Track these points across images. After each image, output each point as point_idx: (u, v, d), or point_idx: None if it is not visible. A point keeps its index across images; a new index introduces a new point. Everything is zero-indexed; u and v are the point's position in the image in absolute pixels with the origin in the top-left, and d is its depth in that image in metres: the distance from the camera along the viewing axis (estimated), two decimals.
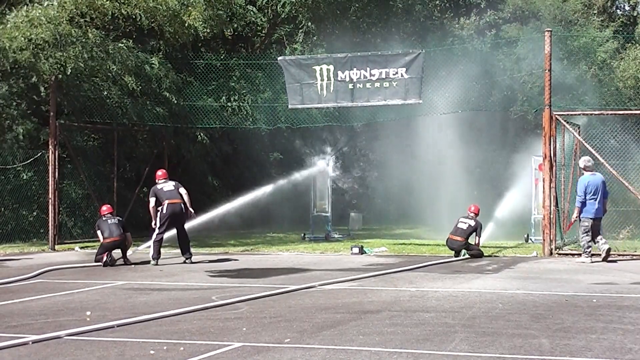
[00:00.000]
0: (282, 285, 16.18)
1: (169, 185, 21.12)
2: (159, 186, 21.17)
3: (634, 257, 21.27)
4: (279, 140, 35.70)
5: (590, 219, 20.30)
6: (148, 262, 20.65)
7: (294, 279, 17.56)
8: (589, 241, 20.38)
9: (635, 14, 45.83)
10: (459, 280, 17.07)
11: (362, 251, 23.10)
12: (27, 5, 23.86)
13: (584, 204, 20.37)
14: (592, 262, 20.13)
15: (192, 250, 21.36)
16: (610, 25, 39.51)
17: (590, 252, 20.35)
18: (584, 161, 20.95)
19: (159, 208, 20.89)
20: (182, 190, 21.05)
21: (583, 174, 20.84)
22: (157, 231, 20.86)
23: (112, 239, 20.81)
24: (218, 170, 35.21)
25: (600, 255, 20.35)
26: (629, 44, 38.48)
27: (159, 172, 21.75)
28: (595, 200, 20.34)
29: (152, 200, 21.19)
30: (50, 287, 16.62)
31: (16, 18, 23.25)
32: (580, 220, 20.54)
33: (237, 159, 36.16)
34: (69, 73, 24.82)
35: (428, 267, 19.65)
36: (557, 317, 12.37)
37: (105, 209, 21.83)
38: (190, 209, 21.06)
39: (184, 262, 20.80)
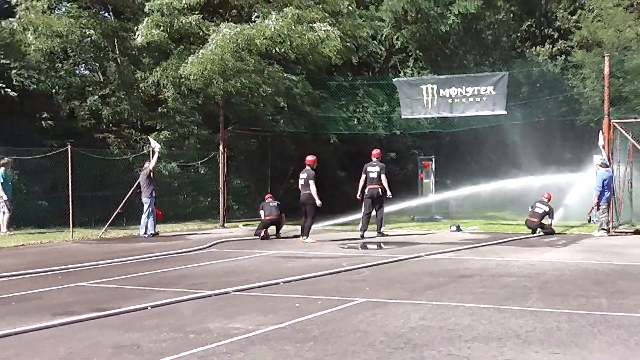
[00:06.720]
0: (397, 255, 16.21)
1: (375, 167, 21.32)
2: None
3: None
4: (394, 143, 35.61)
5: (607, 202, 21.09)
6: (295, 237, 20.81)
7: (405, 250, 17.56)
8: (608, 219, 21.20)
9: None
10: (535, 252, 16.81)
11: (458, 229, 22.92)
12: (201, 47, 24.43)
13: (602, 192, 21.07)
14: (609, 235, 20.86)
15: (321, 228, 20.73)
16: None
17: (608, 227, 21.12)
18: (600, 160, 21.51)
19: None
20: (382, 177, 21.15)
21: (599, 169, 21.40)
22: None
23: (271, 217, 21.06)
24: (346, 165, 35.31)
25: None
26: None
27: (375, 151, 21.94)
28: (609, 189, 21.13)
29: (363, 177, 21.51)
30: (221, 255, 16.99)
31: (193, 57, 23.97)
32: (599, 204, 21.20)
33: (360, 158, 36.12)
34: (232, 94, 25.48)
35: (510, 241, 19.40)
36: (614, 282, 12.11)
37: (267, 195, 22.40)
38: (388, 192, 21.14)
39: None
